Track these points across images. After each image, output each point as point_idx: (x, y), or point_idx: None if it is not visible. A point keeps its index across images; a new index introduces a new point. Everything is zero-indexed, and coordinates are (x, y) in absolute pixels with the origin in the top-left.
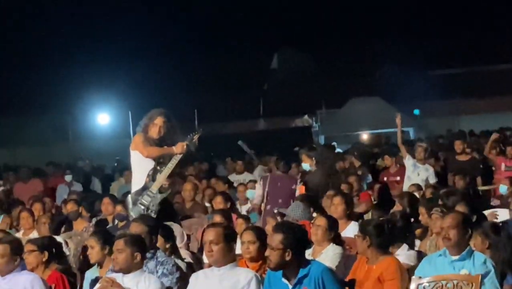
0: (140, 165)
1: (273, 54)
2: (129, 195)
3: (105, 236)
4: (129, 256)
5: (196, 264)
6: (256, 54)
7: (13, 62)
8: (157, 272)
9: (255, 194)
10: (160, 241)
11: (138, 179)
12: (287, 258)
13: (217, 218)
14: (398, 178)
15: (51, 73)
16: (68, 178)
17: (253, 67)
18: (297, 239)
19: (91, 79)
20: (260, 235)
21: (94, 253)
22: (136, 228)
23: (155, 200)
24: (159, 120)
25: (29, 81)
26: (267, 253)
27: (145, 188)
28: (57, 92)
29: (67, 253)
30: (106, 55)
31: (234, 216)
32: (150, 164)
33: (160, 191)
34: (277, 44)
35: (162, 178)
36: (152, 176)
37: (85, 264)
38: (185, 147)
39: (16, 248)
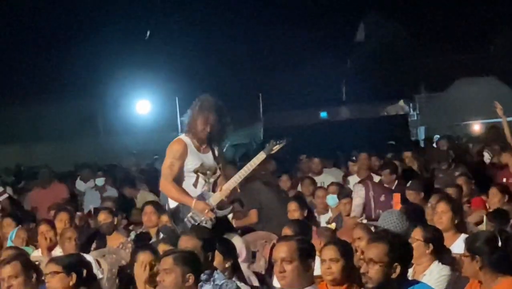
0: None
1: (358, 23)
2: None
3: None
4: (180, 277)
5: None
6: (336, 23)
7: (27, 36)
8: None
9: (353, 203)
10: (217, 259)
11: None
12: (393, 275)
13: (290, 230)
14: None
15: (76, 49)
16: (99, 181)
17: (333, 40)
18: (404, 253)
19: (128, 56)
20: (345, 251)
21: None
22: (187, 243)
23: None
24: (210, 118)
25: (47, 60)
26: (363, 269)
27: (201, 198)
28: (83, 74)
29: (100, 275)
30: (146, 26)
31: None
32: (191, 176)
33: (220, 206)
34: (363, 11)
35: (227, 189)
36: (213, 184)
37: None
38: (207, 211)
39: (27, 263)
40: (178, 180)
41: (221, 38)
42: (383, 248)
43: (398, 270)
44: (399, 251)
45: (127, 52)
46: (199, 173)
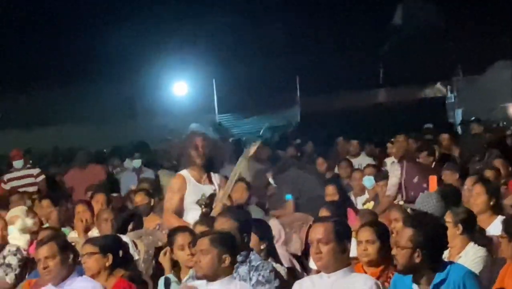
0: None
1: (396, 6)
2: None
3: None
4: (216, 258)
5: (299, 270)
6: (373, 6)
7: (65, 19)
8: (250, 279)
9: (389, 182)
10: (253, 240)
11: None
12: (417, 260)
13: (326, 211)
14: None
15: (112, 30)
16: (136, 163)
17: (370, 23)
18: (431, 237)
19: (165, 38)
20: (382, 233)
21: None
22: (223, 224)
23: None
24: (198, 142)
25: (86, 43)
26: (393, 252)
27: None
28: (121, 56)
29: (136, 256)
30: (184, 7)
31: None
32: (196, 209)
33: None
34: None
35: (220, 203)
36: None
37: (159, 270)
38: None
39: (64, 244)
40: (180, 212)
41: (258, 21)
42: (409, 233)
43: (420, 255)
44: (424, 237)
45: (165, 35)
46: (202, 206)
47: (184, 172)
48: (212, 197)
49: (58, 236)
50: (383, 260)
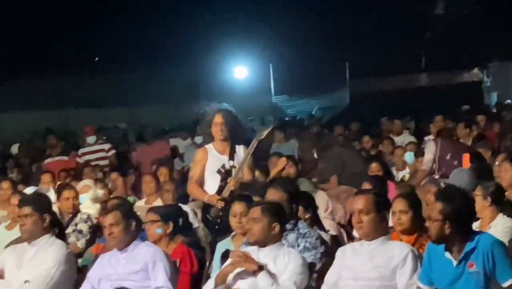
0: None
1: None
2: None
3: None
4: (266, 226)
5: (345, 238)
6: None
7: (135, 8)
8: (298, 245)
9: (424, 158)
10: (298, 211)
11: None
12: (447, 231)
13: (369, 185)
14: None
15: (178, 19)
16: (198, 139)
17: (413, 13)
18: (458, 210)
19: (227, 25)
20: (414, 204)
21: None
22: (274, 195)
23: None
24: (217, 118)
25: (153, 29)
26: (427, 223)
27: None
28: (186, 42)
29: (196, 224)
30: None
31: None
32: (216, 178)
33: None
34: None
35: (234, 179)
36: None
37: (216, 237)
38: (215, 201)
39: (128, 212)
40: (201, 181)
41: (311, 9)
42: (439, 207)
43: (449, 227)
44: (453, 210)
45: (226, 22)
46: (221, 175)
47: (208, 145)
48: (228, 171)
49: (123, 205)
50: (416, 228)
